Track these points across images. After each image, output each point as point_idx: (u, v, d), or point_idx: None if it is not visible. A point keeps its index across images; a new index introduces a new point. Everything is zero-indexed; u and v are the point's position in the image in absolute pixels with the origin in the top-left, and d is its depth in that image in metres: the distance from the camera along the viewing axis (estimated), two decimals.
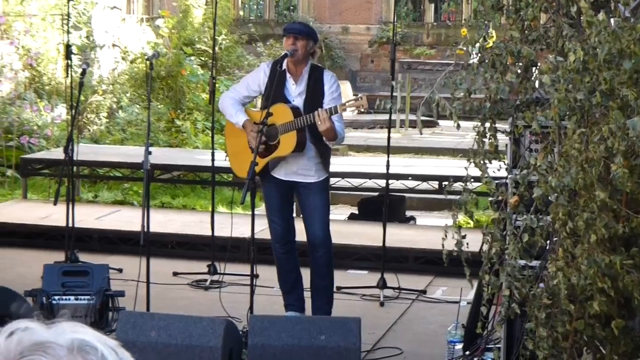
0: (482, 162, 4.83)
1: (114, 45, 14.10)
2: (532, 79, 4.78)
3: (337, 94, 6.64)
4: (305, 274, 6.80)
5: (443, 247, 4.87)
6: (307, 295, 6.85)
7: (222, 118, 9.97)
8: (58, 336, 1.30)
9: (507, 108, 4.80)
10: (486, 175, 4.84)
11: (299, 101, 6.64)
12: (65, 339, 1.29)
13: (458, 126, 4.84)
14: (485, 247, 4.91)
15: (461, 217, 5.31)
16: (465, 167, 4.90)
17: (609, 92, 3.91)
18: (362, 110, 6.54)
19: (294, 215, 7.24)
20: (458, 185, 5.58)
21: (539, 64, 4.82)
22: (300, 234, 6.82)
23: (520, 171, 4.70)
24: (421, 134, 5.37)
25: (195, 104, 13.70)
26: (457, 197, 5.04)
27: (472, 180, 4.94)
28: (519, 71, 4.79)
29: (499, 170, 5.10)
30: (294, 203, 7.24)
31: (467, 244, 4.93)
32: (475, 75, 4.78)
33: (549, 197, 4.33)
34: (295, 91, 6.66)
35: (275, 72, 6.49)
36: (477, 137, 4.81)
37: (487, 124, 4.79)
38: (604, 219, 3.94)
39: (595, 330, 4.16)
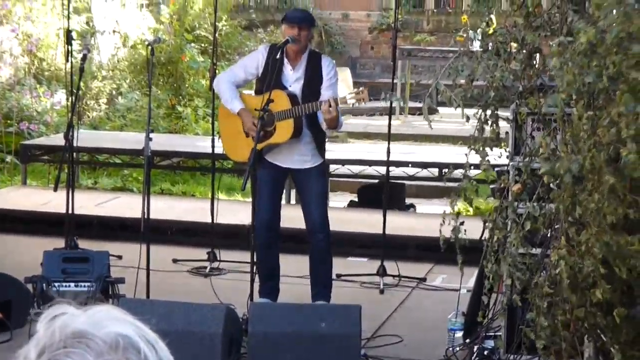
0: (481, 148, 4.81)
1: (114, 31, 14.05)
2: (536, 65, 4.75)
3: (334, 80, 6.63)
4: (305, 260, 6.81)
5: (440, 232, 4.87)
6: (305, 282, 6.85)
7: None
8: (100, 329, 1.26)
9: (511, 95, 4.78)
10: (485, 162, 4.82)
11: (296, 87, 6.60)
12: (107, 333, 1.25)
13: (467, 119, 4.80)
14: (487, 235, 4.90)
15: (460, 205, 5.30)
16: (466, 154, 4.89)
17: (616, 76, 3.87)
18: (363, 103, 6.52)
19: (292, 203, 7.22)
20: (457, 173, 5.57)
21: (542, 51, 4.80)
22: (299, 221, 6.81)
23: (524, 159, 4.68)
24: (431, 128, 5.29)
25: (195, 91, 13.66)
26: (457, 184, 5.02)
27: (472, 167, 4.92)
28: (522, 58, 4.76)
29: (499, 157, 5.08)
30: (284, 192, 7.15)
31: (465, 230, 4.92)
32: (478, 63, 4.75)
33: (551, 185, 4.31)
34: (293, 77, 6.62)
35: (273, 57, 6.45)
36: (477, 124, 4.79)
37: (489, 111, 4.77)
38: (612, 204, 3.91)
39: (597, 318, 4.15)
